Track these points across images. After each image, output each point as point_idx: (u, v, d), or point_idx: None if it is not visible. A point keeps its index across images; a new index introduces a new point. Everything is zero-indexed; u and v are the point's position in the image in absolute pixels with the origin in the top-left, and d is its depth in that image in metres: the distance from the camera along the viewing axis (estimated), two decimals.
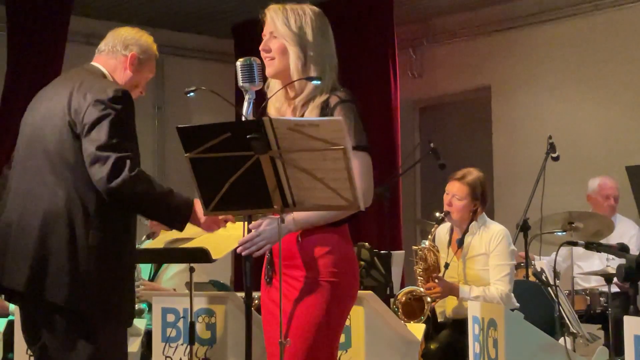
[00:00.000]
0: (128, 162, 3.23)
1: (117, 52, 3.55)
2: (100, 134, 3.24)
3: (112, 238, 3.32)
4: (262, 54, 3.15)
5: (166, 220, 3.42)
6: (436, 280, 4.86)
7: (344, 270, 3.07)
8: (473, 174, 5.00)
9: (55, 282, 3.24)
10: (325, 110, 3.04)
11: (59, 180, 3.30)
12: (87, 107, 3.29)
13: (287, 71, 3.13)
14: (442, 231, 5.12)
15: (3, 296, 5.80)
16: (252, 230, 3.00)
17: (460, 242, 4.97)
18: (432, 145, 6.59)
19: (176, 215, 3.33)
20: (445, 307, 5.00)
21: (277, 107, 3.20)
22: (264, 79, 3.23)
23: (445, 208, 5.01)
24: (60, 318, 3.28)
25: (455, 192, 4.97)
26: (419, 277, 4.98)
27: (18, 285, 3.29)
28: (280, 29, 3.11)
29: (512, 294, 4.89)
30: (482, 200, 4.99)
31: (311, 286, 3.01)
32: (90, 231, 3.27)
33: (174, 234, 3.97)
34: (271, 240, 2.96)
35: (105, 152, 3.22)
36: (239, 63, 3.23)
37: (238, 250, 2.99)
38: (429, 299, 4.91)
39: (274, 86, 3.20)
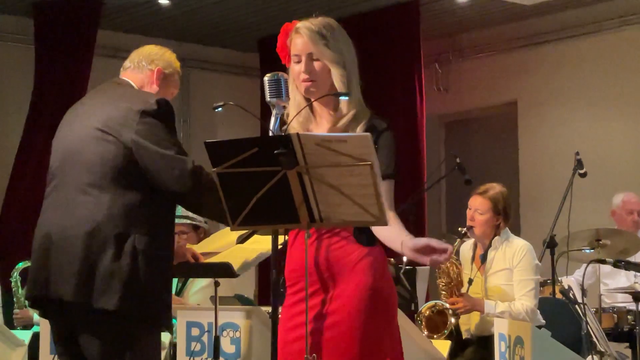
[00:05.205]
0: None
1: (143, 67, 3.60)
2: (167, 141, 3.31)
3: (158, 241, 3.33)
4: (302, 76, 3.06)
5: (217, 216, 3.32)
6: (460, 297, 4.84)
7: (381, 274, 3.04)
8: (495, 188, 4.99)
9: (104, 289, 3.23)
10: (373, 134, 2.94)
11: (101, 188, 3.31)
12: (134, 117, 3.33)
13: (325, 90, 3.08)
14: (466, 247, 5.12)
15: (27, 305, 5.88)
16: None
17: (484, 258, 4.95)
18: (458, 160, 6.55)
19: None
20: (470, 325, 4.96)
21: (301, 122, 3.16)
22: None
23: (468, 223, 5.00)
24: (106, 324, 3.27)
25: (477, 207, 4.96)
26: (442, 292, 4.97)
27: (66, 294, 3.27)
28: (322, 52, 3.05)
29: (538, 310, 4.85)
30: (504, 215, 4.96)
31: (350, 296, 2.99)
32: (137, 235, 3.27)
33: (199, 248, 3.97)
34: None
35: (183, 156, 3.30)
36: (266, 78, 3.22)
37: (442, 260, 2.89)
38: (452, 312, 4.89)
39: (299, 105, 3.14)
